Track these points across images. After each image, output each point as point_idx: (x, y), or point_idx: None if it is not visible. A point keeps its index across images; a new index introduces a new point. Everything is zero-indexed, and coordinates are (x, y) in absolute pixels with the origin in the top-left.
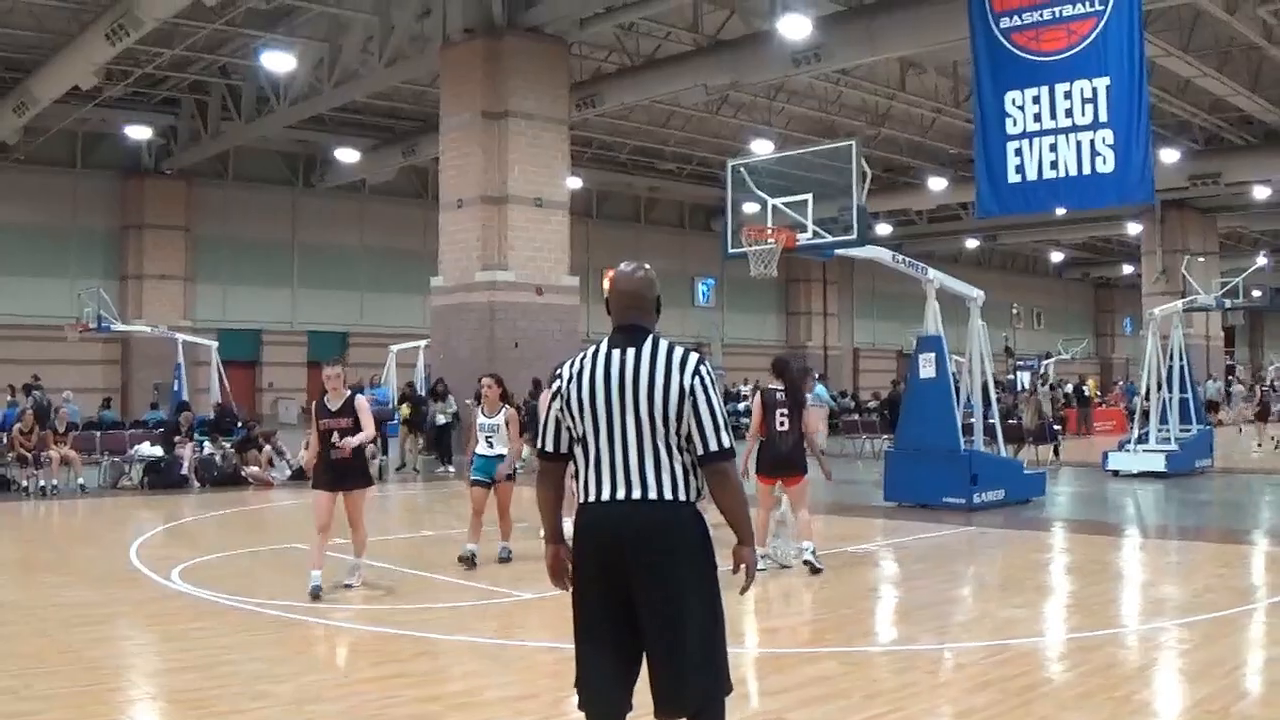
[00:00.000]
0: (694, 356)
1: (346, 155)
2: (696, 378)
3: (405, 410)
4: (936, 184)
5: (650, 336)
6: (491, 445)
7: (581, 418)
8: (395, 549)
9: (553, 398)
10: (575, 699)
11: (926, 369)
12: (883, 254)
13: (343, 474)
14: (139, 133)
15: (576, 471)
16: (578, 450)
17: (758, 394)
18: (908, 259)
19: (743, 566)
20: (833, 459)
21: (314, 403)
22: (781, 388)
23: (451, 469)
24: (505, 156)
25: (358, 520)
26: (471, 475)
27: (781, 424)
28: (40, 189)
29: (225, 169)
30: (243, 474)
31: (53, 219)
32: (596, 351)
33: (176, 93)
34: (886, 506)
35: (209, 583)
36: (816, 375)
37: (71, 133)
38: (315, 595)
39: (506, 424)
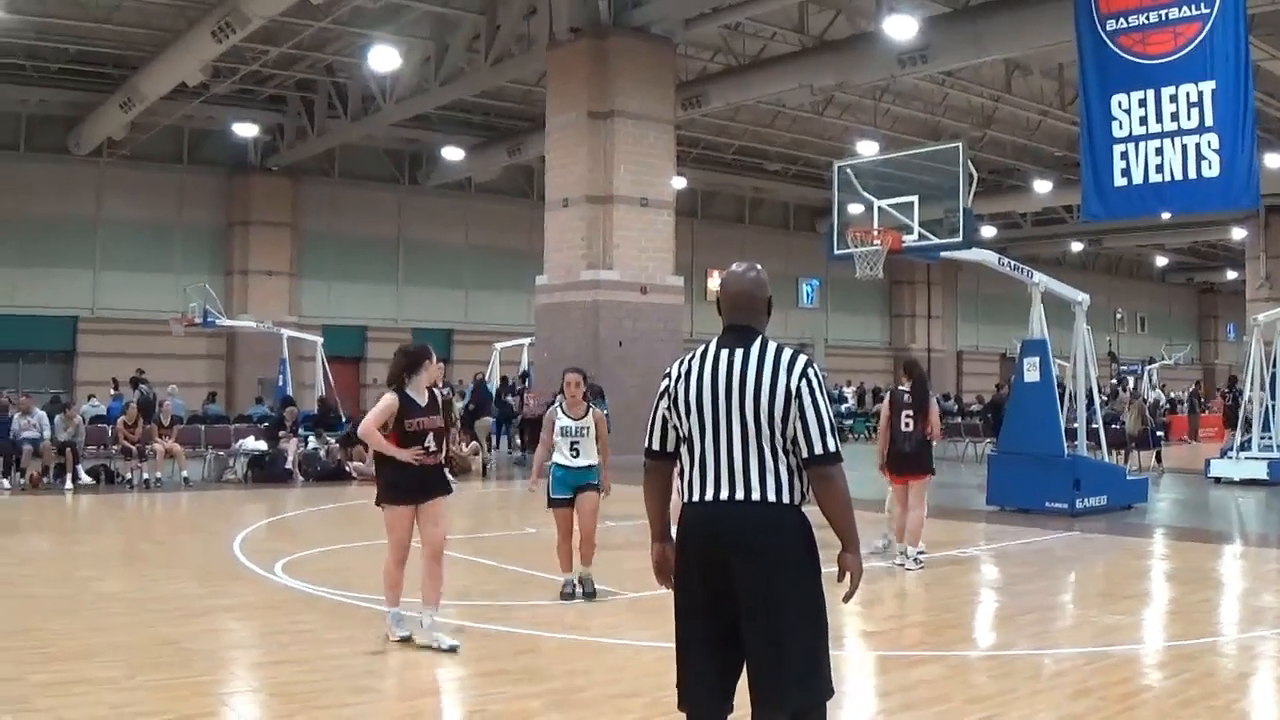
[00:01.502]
0: (802, 358)
1: (452, 153)
2: (804, 380)
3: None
4: (1041, 187)
5: (759, 337)
6: (577, 454)
7: (688, 417)
8: (498, 546)
9: (660, 397)
10: (674, 697)
11: (1031, 373)
12: (989, 257)
13: (429, 482)
14: (245, 130)
15: (681, 470)
16: (683, 450)
17: (888, 394)
18: (1013, 262)
19: (848, 574)
20: (935, 462)
21: (392, 395)
22: (908, 388)
23: None
24: (611, 156)
25: (440, 548)
26: (552, 492)
27: (906, 424)
28: (147, 185)
29: (331, 166)
30: (347, 469)
31: (159, 215)
32: (705, 351)
33: (282, 90)
34: (989, 510)
35: (312, 577)
36: None
37: (178, 129)
38: (408, 639)
39: (595, 426)
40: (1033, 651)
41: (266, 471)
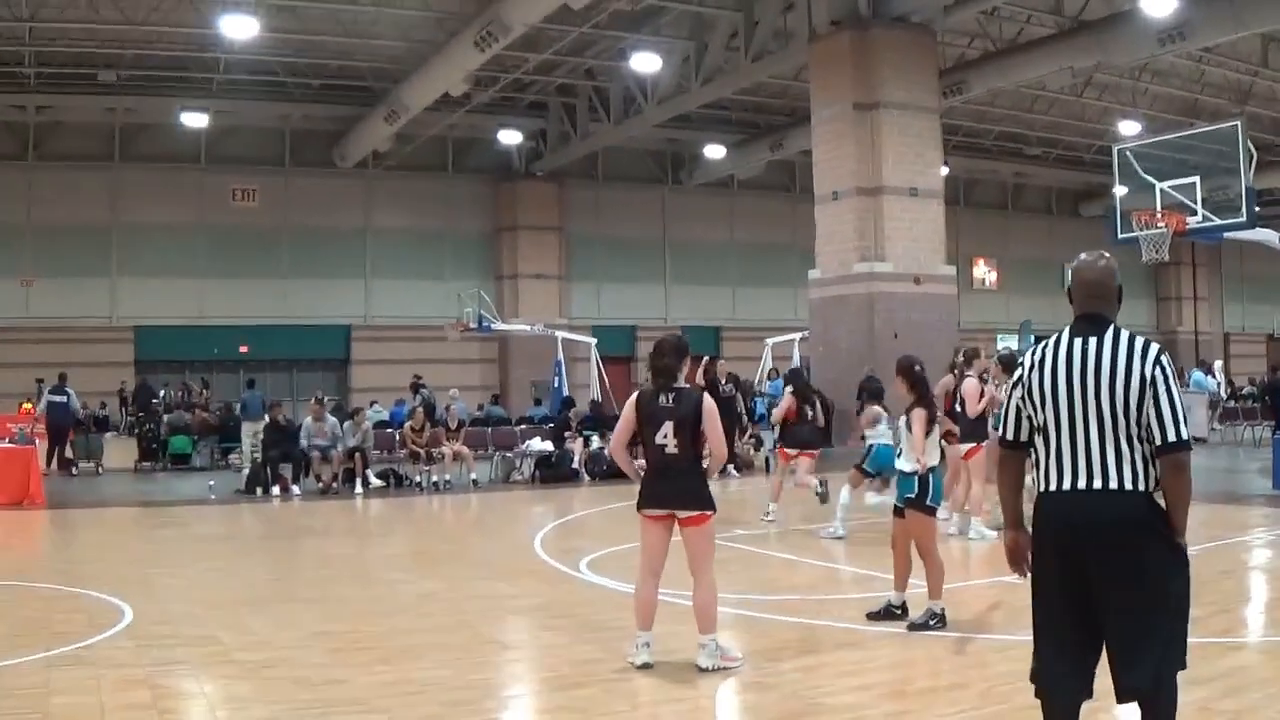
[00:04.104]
0: (1155, 346)
1: (714, 151)
2: (1158, 367)
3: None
4: None
5: (1111, 326)
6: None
7: (1043, 407)
8: (798, 540)
9: (1014, 386)
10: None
11: None
12: (1270, 236)
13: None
14: (510, 138)
15: (1036, 461)
16: (1038, 440)
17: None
18: None
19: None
20: (1213, 447)
21: (638, 395)
22: None
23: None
24: (879, 147)
25: (700, 566)
26: None
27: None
28: (414, 194)
29: (595, 169)
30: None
31: (427, 223)
32: (1059, 340)
33: (544, 96)
34: (1276, 495)
35: (620, 574)
36: (1200, 362)
37: (442, 139)
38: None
39: (911, 424)
40: None
41: (554, 471)
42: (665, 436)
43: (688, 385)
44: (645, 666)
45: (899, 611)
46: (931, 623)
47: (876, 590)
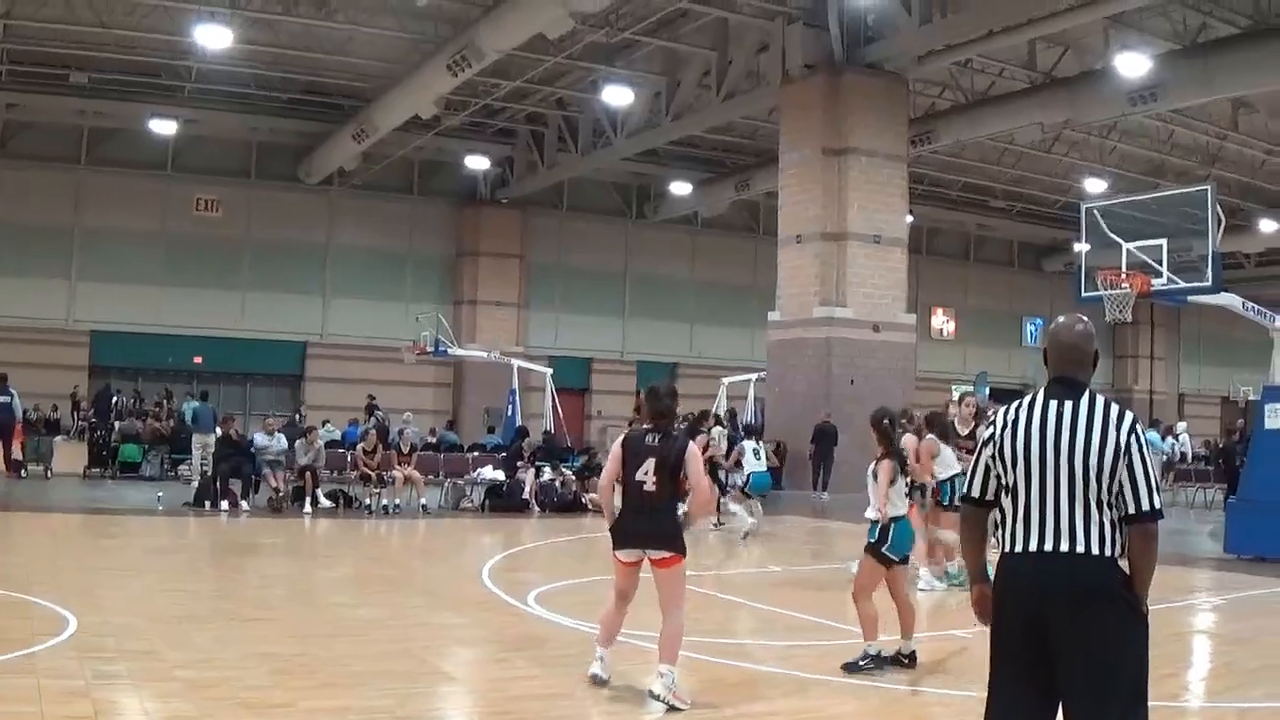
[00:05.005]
0: (1129, 414)
1: (679, 188)
2: (1133, 435)
3: None
4: (1267, 226)
5: (1087, 390)
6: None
7: (1013, 467)
8: (750, 584)
9: (984, 444)
10: None
11: (1273, 419)
12: (1233, 301)
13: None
14: (476, 163)
15: (1001, 520)
16: (1005, 500)
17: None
18: (1256, 306)
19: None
20: (1165, 509)
21: (627, 434)
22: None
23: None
24: (845, 193)
25: (670, 606)
26: None
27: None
28: (377, 214)
29: (560, 199)
30: (583, 501)
31: (389, 244)
32: (1033, 401)
33: (513, 124)
34: (1226, 559)
35: (568, 609)
36: (1154, 421)
37: (409, 160)
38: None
39: (879, 472)
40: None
41: (504, 501)
42: (646, 474)
43: (676, 430)
44: (597, 679)
45: (906, 660)
46: (863, 664)
47: (825, 638)
